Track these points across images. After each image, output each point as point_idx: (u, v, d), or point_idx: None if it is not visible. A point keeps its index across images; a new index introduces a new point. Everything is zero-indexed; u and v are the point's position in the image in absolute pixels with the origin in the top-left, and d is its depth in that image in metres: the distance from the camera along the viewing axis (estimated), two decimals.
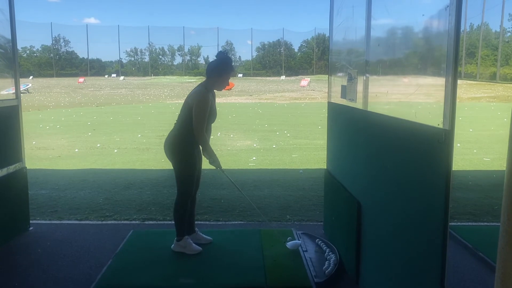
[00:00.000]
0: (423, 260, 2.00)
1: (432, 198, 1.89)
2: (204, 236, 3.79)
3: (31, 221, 4.22)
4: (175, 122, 3.46)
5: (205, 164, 3.59)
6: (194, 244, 3.56)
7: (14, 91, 4.03)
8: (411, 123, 2.14)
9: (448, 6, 1.76)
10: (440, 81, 1.83)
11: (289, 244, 3.62)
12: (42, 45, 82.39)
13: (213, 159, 3.45)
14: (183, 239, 3.53)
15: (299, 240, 3.77)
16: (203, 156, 3.56)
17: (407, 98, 2.40)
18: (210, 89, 3.43)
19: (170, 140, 3.43)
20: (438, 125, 1.84)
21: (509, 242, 1.22)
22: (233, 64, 3.50)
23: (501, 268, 1.23)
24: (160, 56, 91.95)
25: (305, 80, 44.74)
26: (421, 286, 2.04)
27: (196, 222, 4.36)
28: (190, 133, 3.34)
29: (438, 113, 1.84)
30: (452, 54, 1.74)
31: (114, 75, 72.19)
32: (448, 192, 1.76)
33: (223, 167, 3.52)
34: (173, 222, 3.57)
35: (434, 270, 1.86)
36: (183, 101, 3.43)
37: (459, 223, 4.32)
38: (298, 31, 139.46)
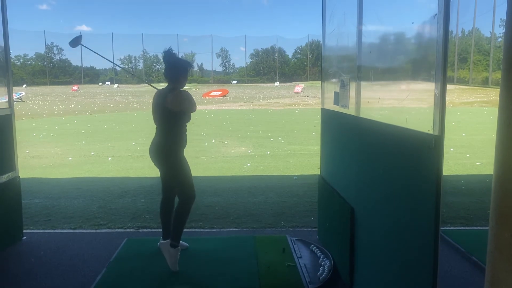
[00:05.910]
0: (416, 265, 2.02)
1: (423, 203, 1.91)
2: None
3: (24, 230, 4.19)
4: (156, 129, 3.42)
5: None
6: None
7: (7, 99, 4.02)
8: (403, 129, 2.16)
9: (436, 14, 1.80)
10: (430, 87, 1.86)
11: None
12: (36, 52, 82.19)
13: None
14: (177, 249, 3.38)
15: (294, 244, 3.78)
16: None
17: (399, 104, 2.42)
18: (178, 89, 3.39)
19: (158, 148, 3.38)
20: (428, 131, 1.86)
21: (497, 246, 1.24)
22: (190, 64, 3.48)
23: (490, 271, 1.25)
24: (154, 64, 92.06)
25: (299, 87, 44.89)
26: None
27: (191, 230, 4.37)
28: (176, 138, 3.34)
29: (429, 119, 1.86)
30: (441, 61, 1.77)
31: (108, 82, 72.05)
32: (439, 197, 1.78)
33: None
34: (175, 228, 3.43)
35: (426, 274, 1.88)
36: None
37: (452, 227, 4.35)
38: (291, 38, 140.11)
